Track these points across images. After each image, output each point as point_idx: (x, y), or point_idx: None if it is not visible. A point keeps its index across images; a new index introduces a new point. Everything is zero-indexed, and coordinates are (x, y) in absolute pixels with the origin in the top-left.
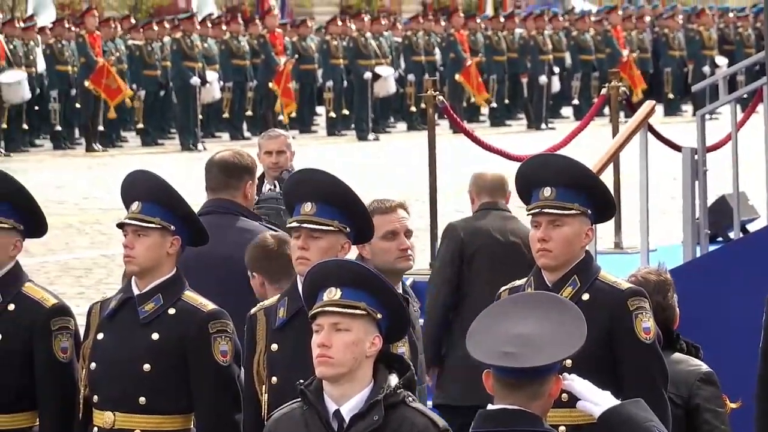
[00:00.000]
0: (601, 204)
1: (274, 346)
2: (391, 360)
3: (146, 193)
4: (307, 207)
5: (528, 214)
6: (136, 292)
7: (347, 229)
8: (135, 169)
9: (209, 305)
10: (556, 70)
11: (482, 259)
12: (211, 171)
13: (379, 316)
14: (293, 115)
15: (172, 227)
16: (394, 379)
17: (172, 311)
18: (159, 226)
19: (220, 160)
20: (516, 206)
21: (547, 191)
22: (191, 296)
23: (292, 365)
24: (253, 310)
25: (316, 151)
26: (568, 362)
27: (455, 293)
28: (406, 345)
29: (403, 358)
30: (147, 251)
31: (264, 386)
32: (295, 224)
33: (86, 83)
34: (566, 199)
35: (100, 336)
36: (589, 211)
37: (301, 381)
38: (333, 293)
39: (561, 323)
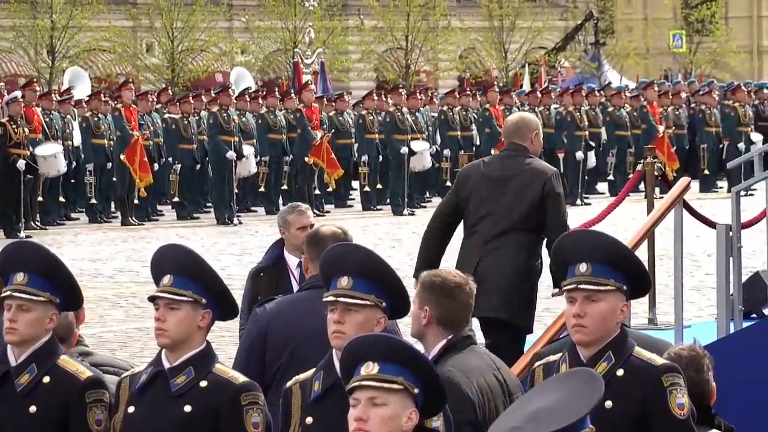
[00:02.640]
0: (636, 280)
1: (309, 420)
2: None
3: (178, 266)
4: (344, 281)
5: (564, 290)
6: (167, 365)
7: (383, 303)
8: (167, 243)
9: (240, 378)
10: (593, 145)
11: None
12: (319, 245)
13: (416, 390)
14: (329, 189)
15: (204, 300)
16: None
17: (203, 384)
18: (191, 299)
19: (331, 235)
20: None
21: (582, 267)
22: (222, 369)
23: None
24: (288, 384)
25: (352, 225)
26: None
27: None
28: (440, 419)
29: None
30: (178, 324)
31: None
32: (331, 298)
33: (121, 157)
34: (602, 275)
35: (131, 409)
36: (625, 287)
37: None
38: (371, 368)
39: (575, 394)
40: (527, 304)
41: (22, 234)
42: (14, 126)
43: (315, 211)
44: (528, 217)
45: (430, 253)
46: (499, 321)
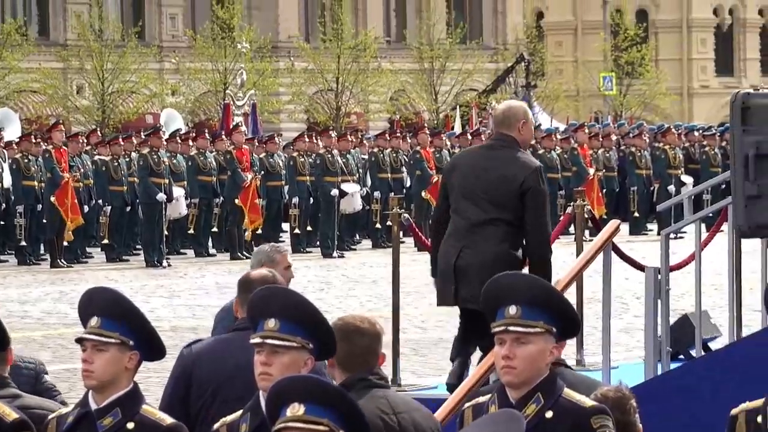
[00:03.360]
0: (565, 322)
1: None
2: None
3: (105, 308)
4: (271, 323)
5: (493, 332)
6: (93, 406)
7: (310, 345)
8: (95, 285)
9: (168, 419)
10: None
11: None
12: (247, 288)
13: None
14: (259, 231)
15: (131, 342)
16: None
17: (130, 425)
18: (118, 341)
19: (260, 278)
20: None
21: (512, 309)
22: (150, 410)
23: None
24: (215, 426)
25: None
26: None
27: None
28: None
29: None
30: (105, 366)
31: None
32: (258, 340)
33: (51, 199)
34: (531, 317)
35: None
36: (554, 329)
37: None
38: (296, 409)
39: None
40: None
41: None
42: None
43: (244, 253)
44: (508, 208)
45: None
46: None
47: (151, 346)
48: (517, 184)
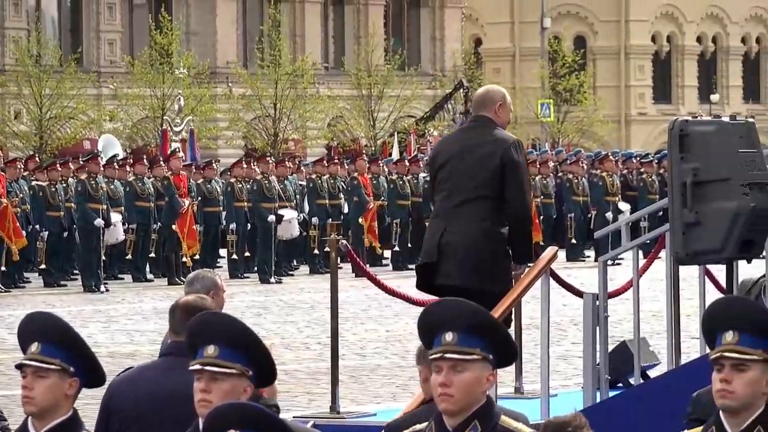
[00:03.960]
0: (503, 349)
1: None
2: None
3: (45, 334)
4: (210, 350)
5: (429, 359)
6: None
7: (249, 372)
8: (34, 310)
9: None
10: None
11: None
12: (174, 314)
13: None
14: (197, 257)
15: (71, 369)
16: None
17: None
18: (59, 367)
19: (184, 304)
20: None
21: (449, 336)
22: None
23: None
24: None
25: None
26: None
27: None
28: None
29: None
30: (46, 392)
31: None
32: (197, 367)
33: None
34: (468, 344)
35: None
36: (491, 356)
37: None
38: None
39: None
40: (494, 269)
41: None
42: None
43: (182, 279)
44: (489, 186)
45: None
46: (469, 290)
47: (91, 373)
48: (496, 160)
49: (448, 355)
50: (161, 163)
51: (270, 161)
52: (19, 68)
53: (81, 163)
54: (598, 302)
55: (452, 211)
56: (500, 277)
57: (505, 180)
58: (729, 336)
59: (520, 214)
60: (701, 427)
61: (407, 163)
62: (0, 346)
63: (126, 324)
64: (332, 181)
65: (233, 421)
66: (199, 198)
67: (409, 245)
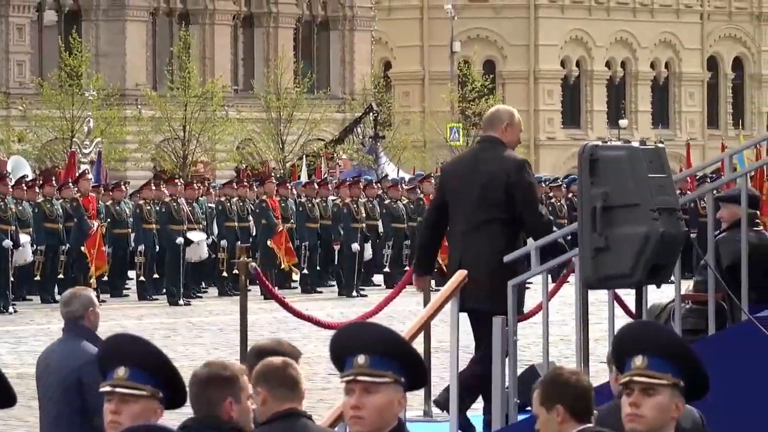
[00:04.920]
0: (414, 372)
1: None
2: None
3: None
4: (121, 371)
5: (342, 382)
6: None
7: (160, 393)
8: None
9: None
10: (369, 237)
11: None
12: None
13: None
14: (105, 278)
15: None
16: None
17: None
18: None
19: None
20: None
21: (360, 359)
22: None
23: None
24: None
25: (128, 315)
26: None
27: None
28: None
29: None
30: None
31: None
32: (108, 388)
33: None
34: (379, 367)
35: None
36: (402, 379)
37: None
38: None
39: None
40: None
41: None
42: None
43: None
44: (499, 207)
45: (425, 250)
46: (484, 312)
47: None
48: (503, 181)
49: (360, 378)
50: (70, 184)
51: (179, 183)
52: None
53: None
54: (507, 326)
55: (466, 234)
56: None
57: (517, 201)
58: (638, 360)
59: (542, 229)
60: None
61: (316, 186)
62: None
63: (34, 345)
64: (241, 204)
65: None
66: (108, 220)
67: (318, 268)
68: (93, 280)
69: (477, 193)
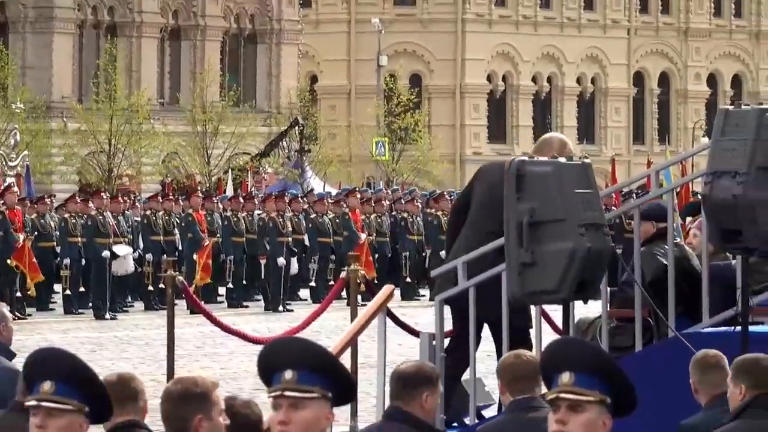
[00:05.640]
0: (341, 387)
1: None
2: None
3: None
4: (46, 386)
5: (269, 397)
6: None
7: (86, 408)
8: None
9: None
10: (295, 251)
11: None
12: None
13: None
14: (32, 293)
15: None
16: None
17: None
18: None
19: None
20: None
21: (288, 374)
22: None
23: None
24: None
25: (54, 329)
26: None
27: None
28: None
29: None
30: None
31: None
32: (33, 403)
33: None
34: (308, 382)
35: None
36: (330, 395)
37: None
38: None
39: None
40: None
41: None
42: None
43: (17, 314)
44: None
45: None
46: (496, 323)
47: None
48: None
49: (287, 393)
50: None
51: (105, 197)
52: None
53: None
54: (434, 341)
55: (483, 243)
56: (522, 314)
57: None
58: (565, 377)
59: None
60: None
61: (242, 200)
62: None
63: None
64: (167, 218)
65: None
66: (35, 233)
67: (244, 282)
68: (32, 291)
69: (490, 205)
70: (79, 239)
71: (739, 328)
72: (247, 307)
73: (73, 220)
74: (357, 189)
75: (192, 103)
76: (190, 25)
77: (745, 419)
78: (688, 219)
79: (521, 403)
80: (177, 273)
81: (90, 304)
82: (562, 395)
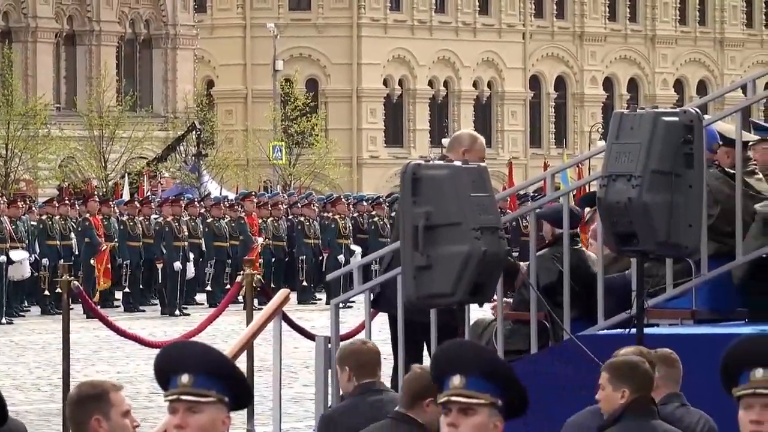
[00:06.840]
0: (238, 391)
1: None
2: None
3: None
4: (185, 378)
5: (165, 401)
6: None
7: (226, 398)
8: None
9: None
10: (191, 256)
11: None
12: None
13: None
14: None
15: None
16: None
17: None
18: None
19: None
20: None
21: (184, 378)
22: None
23: None
24: None
25: None
26: None
27: None
28: None
29: None
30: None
31: None
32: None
33: None
34: (204, 386)
35: None
36: (226, 399)
37: None
38: None
39: None
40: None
41: None
42: None
43: None
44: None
45: None
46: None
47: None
48: None
49: (183, 397)
50: None
51: (1, 202)
52: None
53: None
54: (330, 345)
55: None
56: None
57: None
58: (456, 380)
59: None
60: None
61: (138, 205)
62: None
63: None
64: (63, 222)
65: None
66: None
67: (141, 287)
68: None
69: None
70: None
71: (634, 330)
72: (143, 311)
73: None
74: (254, 193)
75: (88, 108)
76: (85, 30)
77: (626, 422)
78: (587, 209)
79: (366, 386)
80: (73, 278)
81: None
82: (453, 398)
